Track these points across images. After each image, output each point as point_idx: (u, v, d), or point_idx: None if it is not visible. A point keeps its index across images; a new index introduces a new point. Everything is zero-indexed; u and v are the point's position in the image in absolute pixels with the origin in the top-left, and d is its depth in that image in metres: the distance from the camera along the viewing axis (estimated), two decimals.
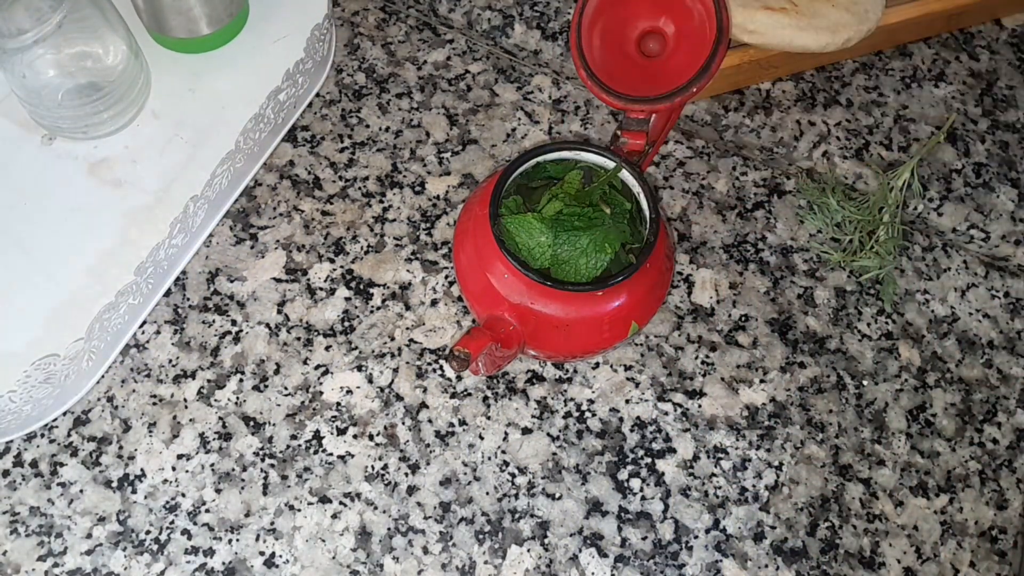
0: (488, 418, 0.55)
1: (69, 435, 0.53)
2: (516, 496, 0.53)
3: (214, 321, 0.56)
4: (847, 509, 0.54)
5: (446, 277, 0.59)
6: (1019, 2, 0.68)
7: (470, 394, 0.55)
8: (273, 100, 0.58)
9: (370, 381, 0.55)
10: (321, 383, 0.55)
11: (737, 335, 0.58)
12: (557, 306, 0.47)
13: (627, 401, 0.56)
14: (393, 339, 0.57)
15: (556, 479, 0.53)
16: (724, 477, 0.54)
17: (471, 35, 0.67)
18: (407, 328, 0.57)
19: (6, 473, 0.52)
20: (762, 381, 0.57)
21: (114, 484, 0.52)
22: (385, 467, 0.53)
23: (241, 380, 0.55)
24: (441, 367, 0.56)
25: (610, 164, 0.49)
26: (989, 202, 0.62)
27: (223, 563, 0.50)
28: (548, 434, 0.55)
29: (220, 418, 0.54)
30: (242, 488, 0.52)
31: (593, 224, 0.47)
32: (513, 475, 0.53)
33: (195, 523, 0.51)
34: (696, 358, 0.57)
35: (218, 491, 0.52)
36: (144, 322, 0.56)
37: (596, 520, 0.53)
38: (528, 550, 0.52)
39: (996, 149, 0.64)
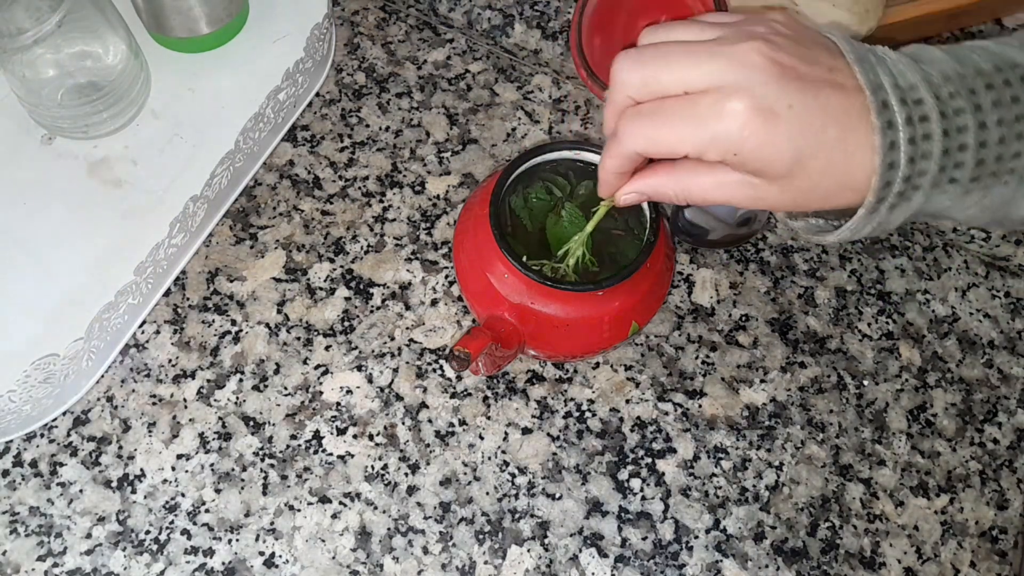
0: (488, 418, 0.55)
1: (69, 435, 0.53)
2: (516, 496, 0.53)
3: (214, 321, 0.56)
4: (847, 509, 0.54)
5: (446, 277, 0.58)
6: (1019, 2, 0.68)
7: (470, 394, 0.55)
8: (273, 99, 0.58)
9: (370, 381, 0.55)
10: (321, 383, 0.55)
11: (737, 335, 0.58)
12: (557, 306, 0.47)
13: (627, 401, 0.56)
14: (393, 339, 0.57)
15: (556, 479, 0.53)
16: (724, 477, 0.54)
17: (471, 35, 0.67)
18: (407, 328, 0.57)
19: (6, 473, 0.52)
20: (762, 381, 0.57)
21: (114, 484, 0.52)
22: (385, 467, 0.53)
23: (241, 380, 0.55)
24: (441, 367, 0.56)
25: None
26: None
27: (223, 563, 0.50)
28: (548, 434, 0.55)
29: (220, 418, 0.54)
30: (242, 488, 0.52)
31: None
32: (513, 475, 0.53)
33: (195, 523, 0.51)
34: (696, 358, 0.57)
35: (218, 491, 0.52)
36: (144, 322, 0.56)
37: (596, 520, 0.53)
38: (528, 550, 0.52)
39: None
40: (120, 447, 0.53)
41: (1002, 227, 0.39)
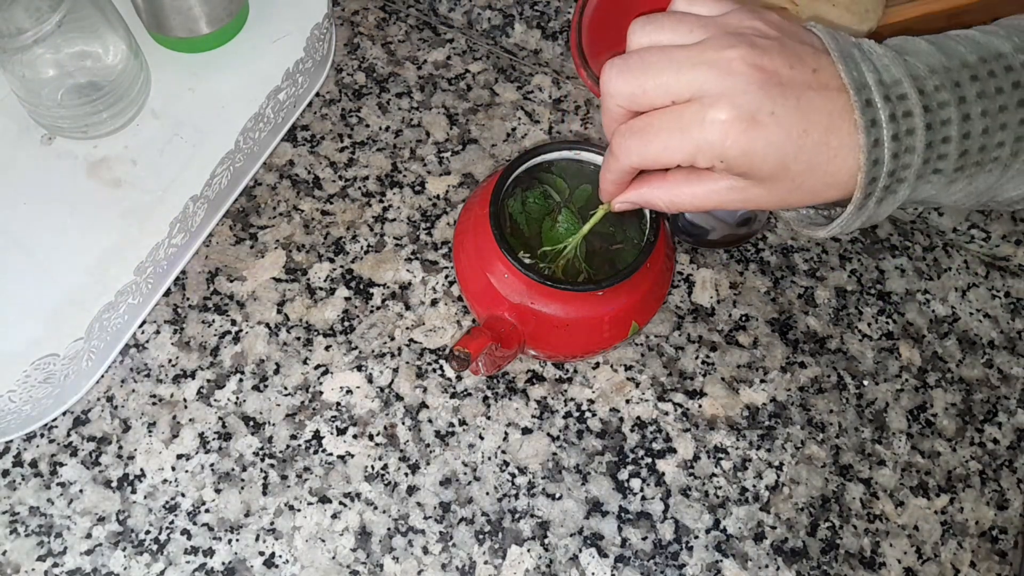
0: (488, 418, 0.55)
1: (69, 435, 0.53)
2: (516, 496, 0.53)
3: (214, 321, 0.56)
4: (847, 509, 0.54)
5: (446, 277, 0.58)
6: (1020, 2, 0.68)
7: (470, 394, 0.55)
8: (273, 99, 0.58)
9: (370, 381, 0.55)
10: (321, 383, 0.55)
11: (737, 335, 0.58)
12: (557, 306, 0.47)
13: (627, 401, 0.56)
14: (393, 339, 0.57)
15: (556, 479, 0.53)
16: (724, 477, 0.54)
17: (471, 34, 0.67)
18: (407, 328, 0.57)
19: (6, 473, 0.52)
20: (762, 381, 0.57)
21: (114, 484, 0.52)
22: (385, 467, 0.53)
23: (241, 380, 0.55)
24: (441, 367, 0.56)
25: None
26: None
27: (223, 563, 0.50)
28: (548, 434, 0.55)
29: (220, 418, 0.54)
30: (242, 488, 0.52)
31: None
32: (513, 475, 0.53)
33: (195, 523, 0.51)
34: (696, 358, 0.57)
35: (218, 491, 0.52)
36: (144, 322, 0.56)
37: (596, 520, 0.53)
38: (528, 550, 0.52)
39: None
40: (120, 447, 0.53)
41: (990, 208, 0.40)
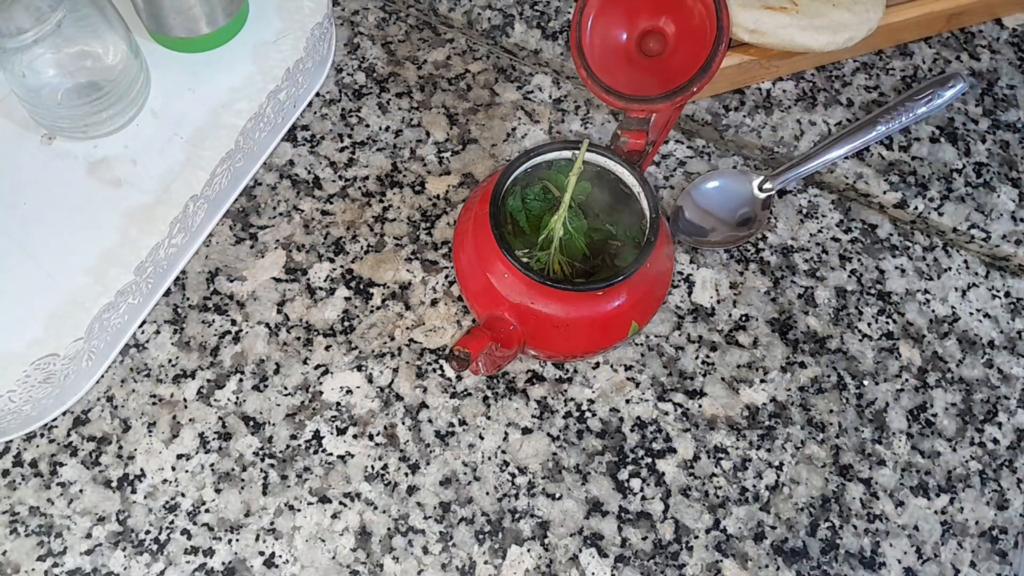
0: (488, 418, 0.55)
1: (69, 435, 0.53)
2: (516, 496, 0.53)
3: (214, 321, 0.56)
4: (847, 509, 0.54)
5: (446, 277, 0.58)
6: (1020, 2, 0.68)
7: (470, 394, 0.55)
8: (273, 99, 0.58)
9: (370, 381, 0.55)
10: (321, 383, 0.55)
11: (737, 335, 0.58)
12: (557, 306, 0.47)
13: (627, 401, 0.56)
14: (393, 339, 0.57)
15: (556, 479, 0.53)
16: (724, 477, 0.54)
17: (471, 34, 0.67)
18: (407, 328, 0.57)
19: (6, 473, 0.52)
20: (762, 381, 0.57)
21: (114, 484, 0.52)
22: (385, 467, 0.53)
23: (241, 380, 0.55)
24: (441, 367, 0.56)
25: (610, 163, 0.49)
26: (990, 202, 0.62)
27: (223, 563, 0.50)
28: (548, 434, 0.55)
29: (220, 418, 0.54)
30: (242, 488, 0.52)
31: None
32: (513, 475, 0.53)
33: (195, 523, 0.51)
34: (696, 358, 0.57)
35: (218, 491, 0.52)
36: (144, 322, 0.56)
37: (596, 520, 0.53)
38: (528, 550, 0.52)
39: (997, 149, 0.64)
40: (120, 447, 0.53)
41: None
